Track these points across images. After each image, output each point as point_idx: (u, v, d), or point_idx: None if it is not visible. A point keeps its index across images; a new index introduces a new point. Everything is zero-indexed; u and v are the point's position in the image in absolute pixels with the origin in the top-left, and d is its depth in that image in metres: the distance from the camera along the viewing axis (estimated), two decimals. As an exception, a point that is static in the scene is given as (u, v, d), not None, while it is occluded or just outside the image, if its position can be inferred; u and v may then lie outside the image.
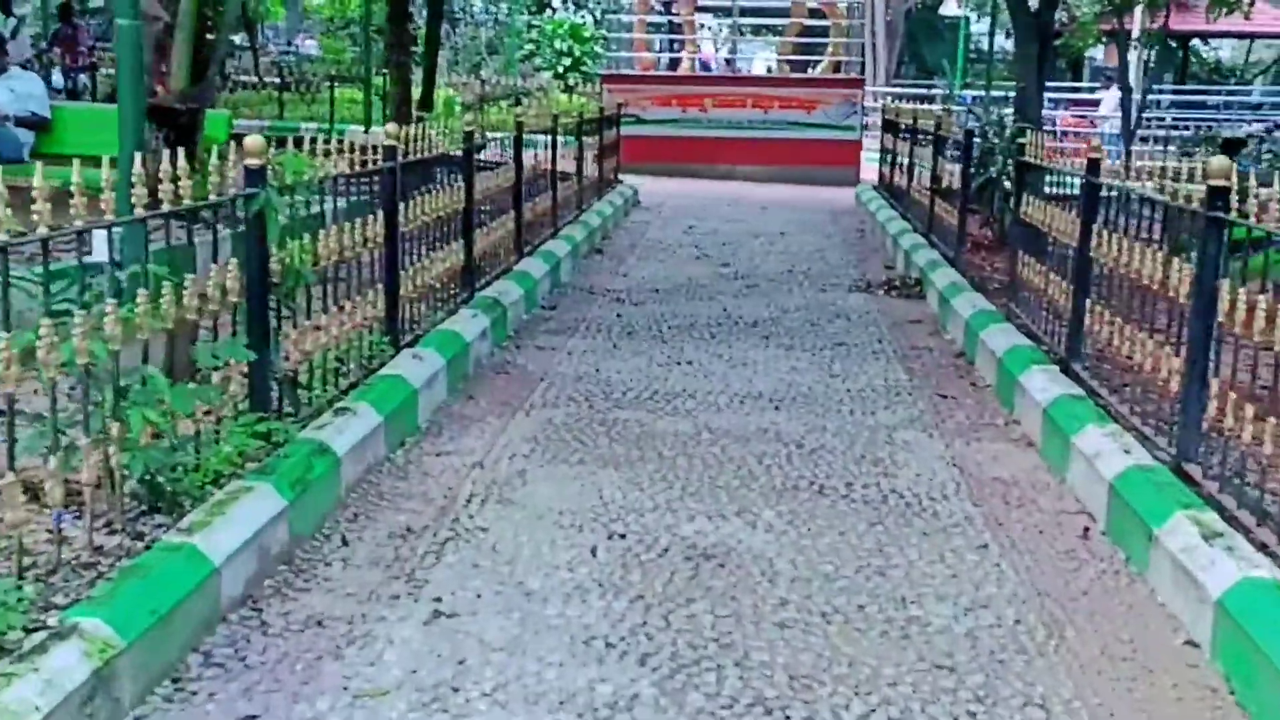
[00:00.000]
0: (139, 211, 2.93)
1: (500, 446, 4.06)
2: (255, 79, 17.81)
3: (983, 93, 12.76)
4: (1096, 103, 17.29)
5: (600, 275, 7.67)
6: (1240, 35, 21.05)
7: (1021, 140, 5.77)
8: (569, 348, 5.56)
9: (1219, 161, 3.30)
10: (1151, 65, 14.50)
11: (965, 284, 6.34)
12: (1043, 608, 2.86)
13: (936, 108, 11.29)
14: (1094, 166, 4.40)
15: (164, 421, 2.69)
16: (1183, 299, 3.50)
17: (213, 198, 3.27)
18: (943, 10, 24.72)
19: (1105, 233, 4.22)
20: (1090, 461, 3.52)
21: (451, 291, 5.76)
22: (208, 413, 3.18)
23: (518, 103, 14.61)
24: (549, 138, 8.33)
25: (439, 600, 2.83)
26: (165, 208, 3.01)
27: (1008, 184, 8.54)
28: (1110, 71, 18.71)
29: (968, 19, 20.03)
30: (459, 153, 5.95)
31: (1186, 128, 15.17)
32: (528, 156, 7.48)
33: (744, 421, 4.39)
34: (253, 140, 3.43)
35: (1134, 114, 11.17)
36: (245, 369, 3.36)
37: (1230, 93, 21.24)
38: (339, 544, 3.17)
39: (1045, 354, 4.75)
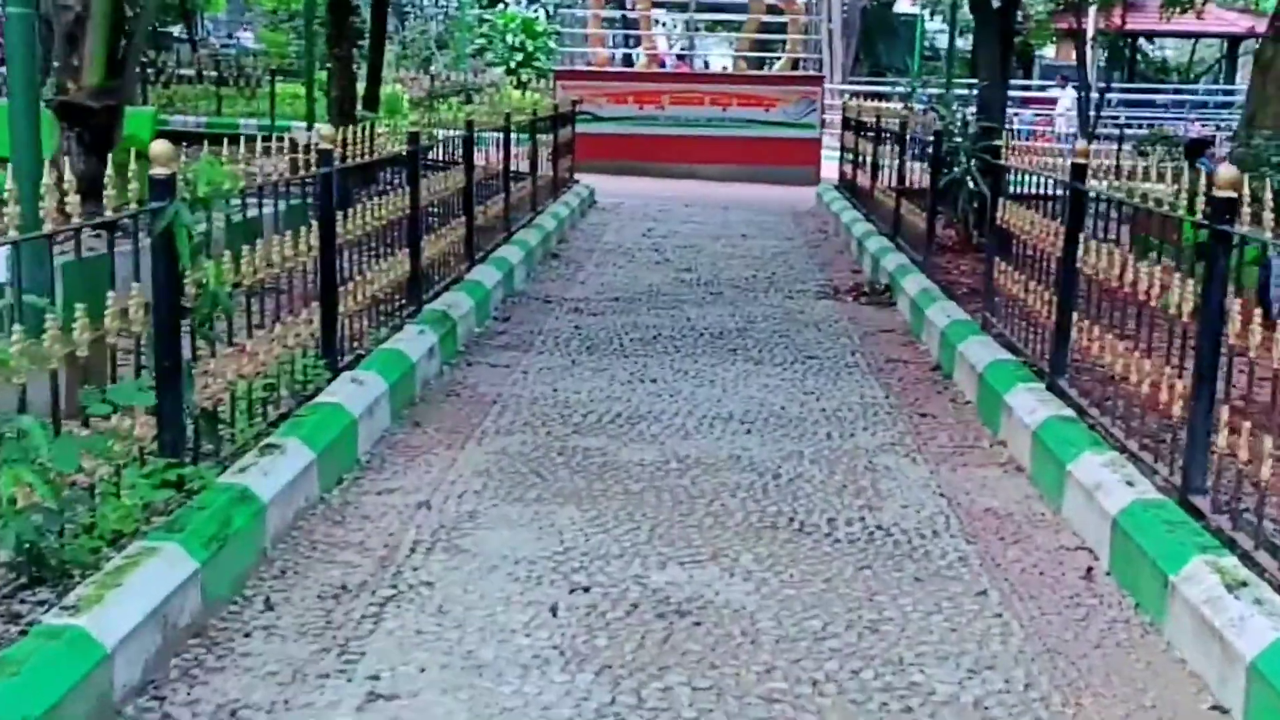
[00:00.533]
0: (13, 235, 2.51)
1: (449, 483, 3.69)
2: (194, 73, 17.06)
3: (938, 91, 12.63)
4: (1052, 101, 17.31)
5: (557, 282, 7.31)
6: (1185, 34, 21.33)
7: (997, 142, 5.53)
8: (524, 365, 5.19)
9: (1227, 172, 3.06)
10: (1101, 64, 14.55)
11: (938, 291, 6.09)
12: (1054, 667, 2.58)
13: (895, 105, 11.11)
14: (1079, 172, 4.15)
15: (40, 482, 2.28)
16: (1185, 317, 3.25)
17: (109, 214, 2.86)
18: (896, 7, 24.73)
19: (1094, 242, 3.97)
20: (1089, 493, 3.26)
21: (397, 305, 5.36)
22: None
23: (468, 100, 14.15)
24: (502, 137, 7.95)
25: (376, 678, 2.47)
26: (48, 227, 2.59)
27: (972, 184, 8.42)
28: (1065, 70, 18.77)
29: (922, 17, 19.98)
30: (405, 153, 5.56)
31: (1139, 126, 15.24)
32: (479, 157, 7.09)
33: (714, 447, 4.07)
34: (159, 146, 3.02)
35: (1091, 113, 11.11)
36: (153, 406, 2.95)
37: (1177, 91, 21.50)
38: (261, 608, 2.78)
39: (1028, 368, 4.50)
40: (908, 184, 7.92)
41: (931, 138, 7.27)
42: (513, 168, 8.31)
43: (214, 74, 17.01)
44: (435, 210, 6.14)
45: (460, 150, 6.72)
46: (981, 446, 4.15)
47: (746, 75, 15.24)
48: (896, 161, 8.16)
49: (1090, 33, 13.22)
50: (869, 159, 9.37)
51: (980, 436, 4.26)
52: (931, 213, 7.06)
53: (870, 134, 9.43)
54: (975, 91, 12.40)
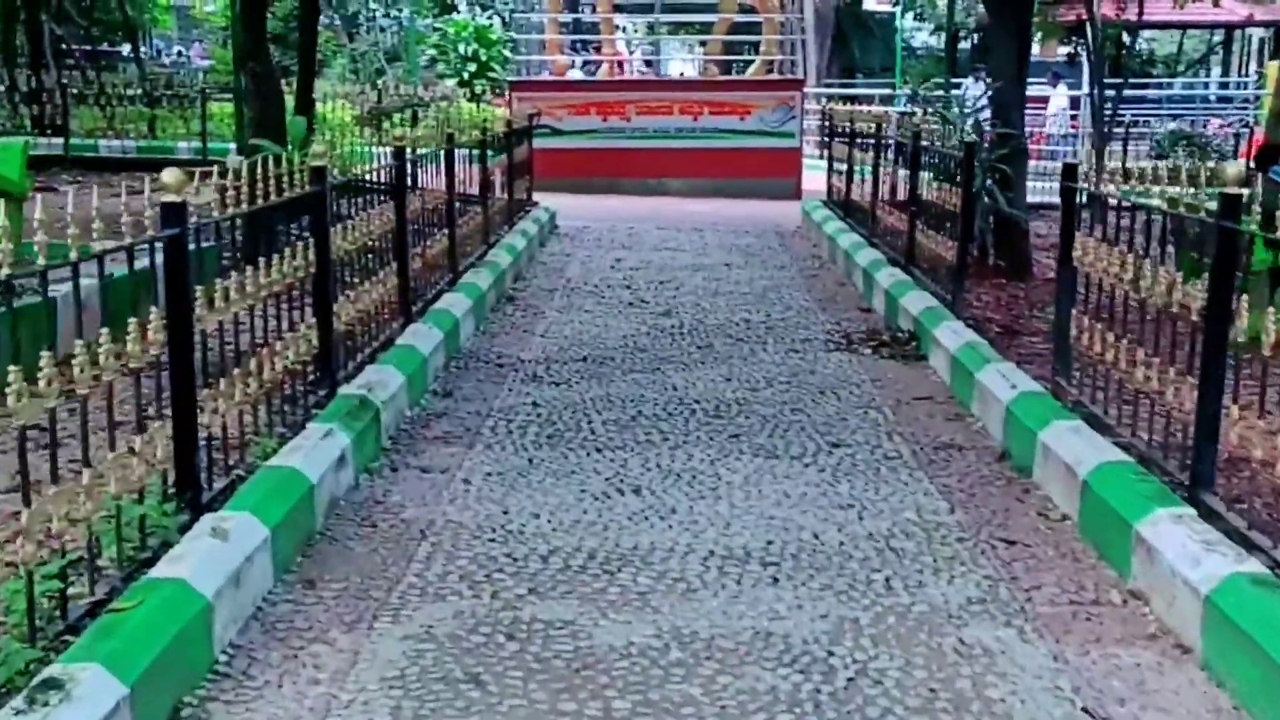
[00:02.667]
0: None
1: (343, 705, 2.44)
2: (140, 92, 15.63)
3: (938, 92, 11.56)
4: (1043, 100, 16.31)
5: (511, 336, 6.07)
6: (1175, 25, 20.56)
7: (1072, 160, 4.39)
8: (465, 470, 3.94)
9: None
10: (1091, 59, 13.58)
11: (986, 346, 4.92)
12: None
13: (879, 109, 10.07)
14: (1231, 206, 2.99)
15: None
16: None
17: None
18: (868, 5, 23.75)
19: (1269, 313, 2.81)
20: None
21: (298, 392, 4.10)
22: None
23: (414, 116, 12.88)
24: (445, 159, 6.70)
25: None
26: None
27: (988, 199, 7.34)
28: (1055, 66, 17.81)
29: (898, 14, 18.98)
30: (308, 195, 4.31)
31: (1142, 123, 14.31)
32: (416, 186, 5.86)
33: (731, 614, 2.85)
34: None
35: (1105, 112, 10.07)
36: None
37: (1162, 85, 20.73)
38: None
39: (1147, 469, 3.33)
40: (924, 203, 6.77)
41: (957, 150, 6.11)
42: (463, 191, 7.08)
43: (153, 94, 15.58)
44: (357, 260, 4.88)
45: (391, 181, 5.48)
46: (1110, 602, 2.94)
47: (719, 81, 14.11)
48: (908, 176, 7.01)
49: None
50: (870, 172, 8.23)
51: (1101, 581, 3.06)
52: (963, 242, 5.91)
53: (868, 143, 8.30)
54: (961, 92, 11.35)
